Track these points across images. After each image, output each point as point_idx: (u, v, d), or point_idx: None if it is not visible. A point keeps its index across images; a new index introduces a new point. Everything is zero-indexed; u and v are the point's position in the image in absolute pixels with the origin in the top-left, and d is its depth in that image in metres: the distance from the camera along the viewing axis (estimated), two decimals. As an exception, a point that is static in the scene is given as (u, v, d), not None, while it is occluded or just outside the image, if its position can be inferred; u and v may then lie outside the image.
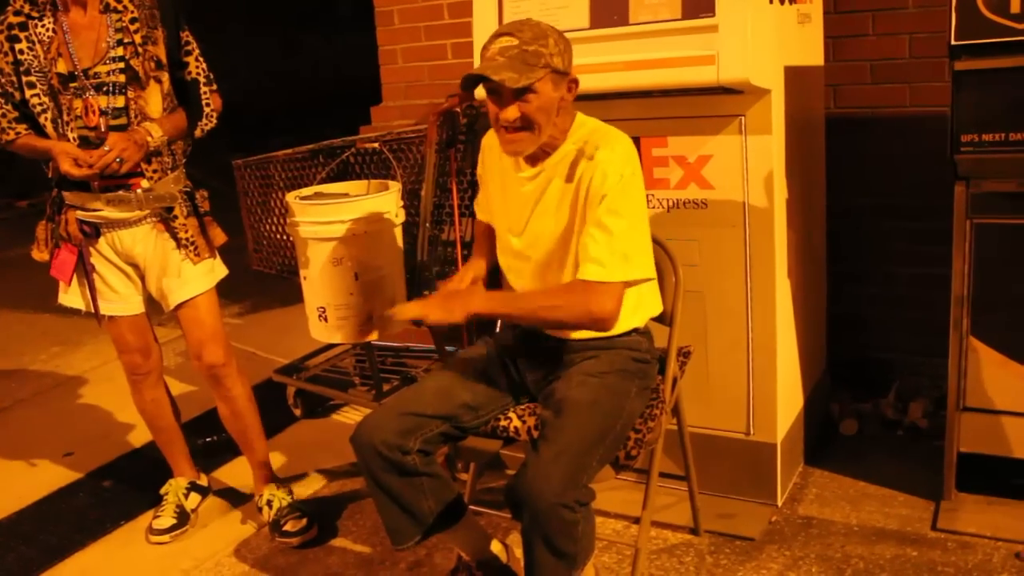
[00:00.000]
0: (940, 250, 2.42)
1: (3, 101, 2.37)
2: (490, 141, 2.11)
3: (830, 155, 2.85)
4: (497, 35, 1.87)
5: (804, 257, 2.62)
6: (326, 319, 2.62)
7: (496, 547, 2.18)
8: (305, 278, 2.65)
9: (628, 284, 1.90)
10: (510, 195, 2.04)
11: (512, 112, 1.86)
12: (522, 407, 2.08)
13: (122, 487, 3.03)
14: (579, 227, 1.93)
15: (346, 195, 2.71)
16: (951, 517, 2.37)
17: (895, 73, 2.85)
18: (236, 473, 3.01)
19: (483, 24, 2.44)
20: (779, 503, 2.52)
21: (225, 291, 2.62)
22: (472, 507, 2.24)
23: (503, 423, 2.04)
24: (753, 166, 2.31)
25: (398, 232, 2.68)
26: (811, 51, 2.67)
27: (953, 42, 2.10)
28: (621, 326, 2.03)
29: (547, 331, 2.04)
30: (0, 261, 6.51)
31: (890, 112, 2.87)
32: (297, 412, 3.42)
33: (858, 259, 3.02)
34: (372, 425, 1.93)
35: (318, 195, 2.71)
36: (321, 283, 2.59)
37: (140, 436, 3.30)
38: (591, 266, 1.87)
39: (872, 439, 2.86)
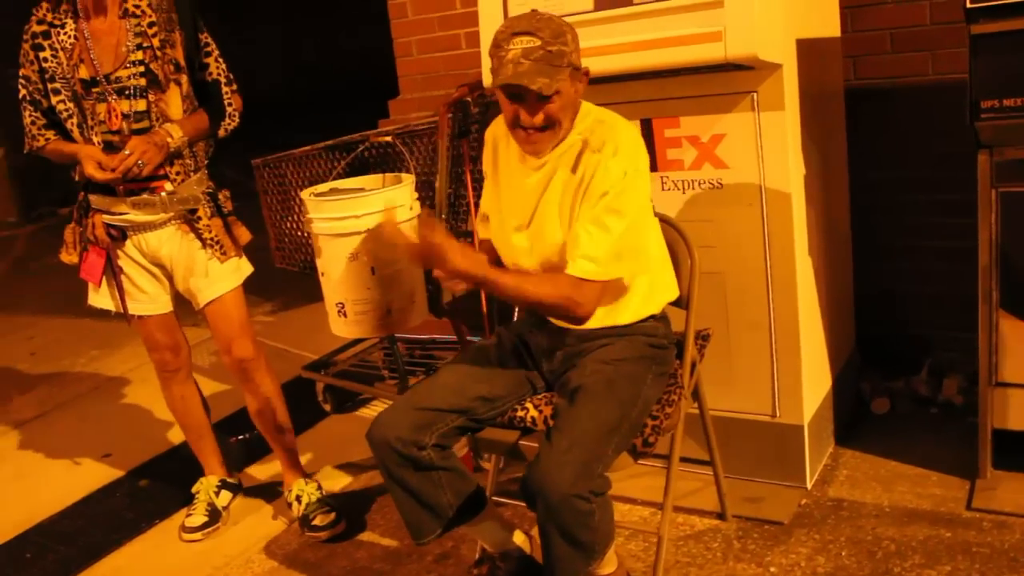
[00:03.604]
0: (968, 222, 2.35)
1: (32, 108, 2.43)
2: (493, 133, 2.09)
3: (851, 128, 2.78)
4: (516, 33, 1.82)
5: (825, 233, 2.56)
6: (345, 314, 2.63)
7: (519, 538, 2.17)
8: (323, 274, 2.66)
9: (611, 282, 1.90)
10: (515, 186, 2.02)
11: (538, 116, 1.85)
12: (538, 397, 2.07)
13: (158, 486, 3.08)
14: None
15: (361, 190, 2.70)
16: (987, 496, 2.31)
17: (916, 41, 2.76)
18: (267, 470, 3.05)
19: (488, 10, 2.41)
20: (808, 486, 2.47)
21: (256, 289, 2.64)
22: (496, 498, 2.24)
23: (519, 413, 2.03)
24: (768, 143, 2.26)
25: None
26: (826, 22, 2.60)
27: (969, 5, 2.03)
28: (637, 313, 2.01)
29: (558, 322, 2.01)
30: (42, 267, 6.64)
31: (912, 81, 2.79)
32: (327, 407, 3.44)
33: (884, 234, 2.94)
34: (386, 422, 1.93)
35: (333, 191, 2.71)
36: (338, 279, 2.60)
37: (176, 435, 3.34)
38: (584, 262, 1.85)
39: (905, 417, 2.80)
